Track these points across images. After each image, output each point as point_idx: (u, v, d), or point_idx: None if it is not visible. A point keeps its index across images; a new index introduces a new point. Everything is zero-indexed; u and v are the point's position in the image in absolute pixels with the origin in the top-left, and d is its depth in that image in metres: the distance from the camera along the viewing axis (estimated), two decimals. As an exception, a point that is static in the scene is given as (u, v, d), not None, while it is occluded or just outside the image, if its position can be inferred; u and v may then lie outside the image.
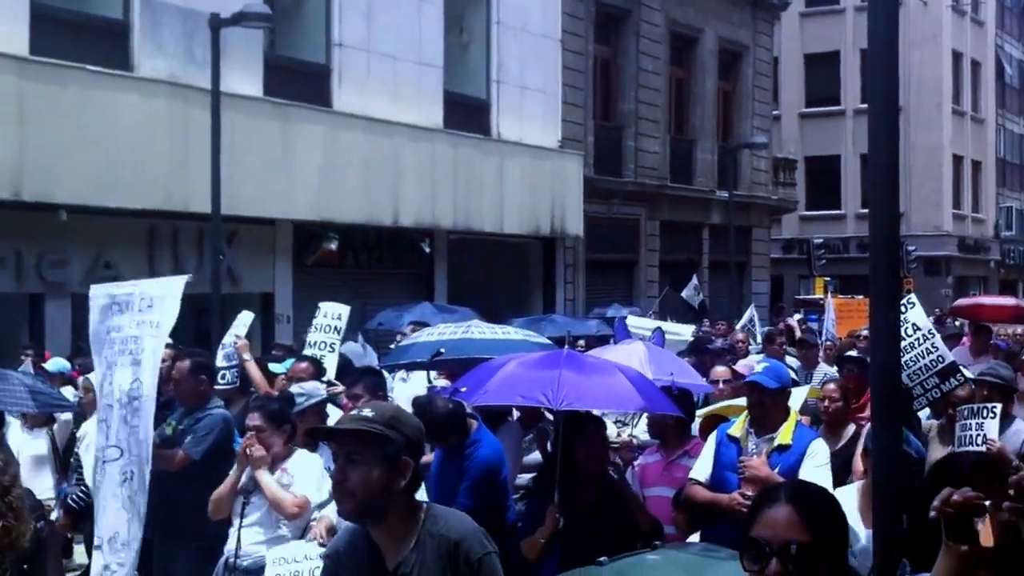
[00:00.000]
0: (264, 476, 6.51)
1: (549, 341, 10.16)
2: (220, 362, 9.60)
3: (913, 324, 9.22)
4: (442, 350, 9.11)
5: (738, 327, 18.86)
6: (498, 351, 8.49)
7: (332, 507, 6.34)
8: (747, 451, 6.78)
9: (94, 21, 15.69)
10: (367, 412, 3.73)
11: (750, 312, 19.45)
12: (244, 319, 10.17)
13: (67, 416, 9.90)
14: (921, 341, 9.15)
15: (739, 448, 6.81)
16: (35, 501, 7.18)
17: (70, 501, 8.44)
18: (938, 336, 9.55)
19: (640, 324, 16.37)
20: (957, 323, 20.25)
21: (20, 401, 8.07)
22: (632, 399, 6.67)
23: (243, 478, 6.63)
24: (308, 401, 7.47)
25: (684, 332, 15.34)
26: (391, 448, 3.63)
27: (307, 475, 6.62)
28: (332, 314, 10.39)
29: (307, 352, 10.00)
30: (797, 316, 25.24)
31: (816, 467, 6.52)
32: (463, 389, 6.90)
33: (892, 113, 4.50)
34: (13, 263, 14.65)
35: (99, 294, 7.42)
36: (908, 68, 41.22)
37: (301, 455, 6.75)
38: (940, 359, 9.13)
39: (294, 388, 8.01)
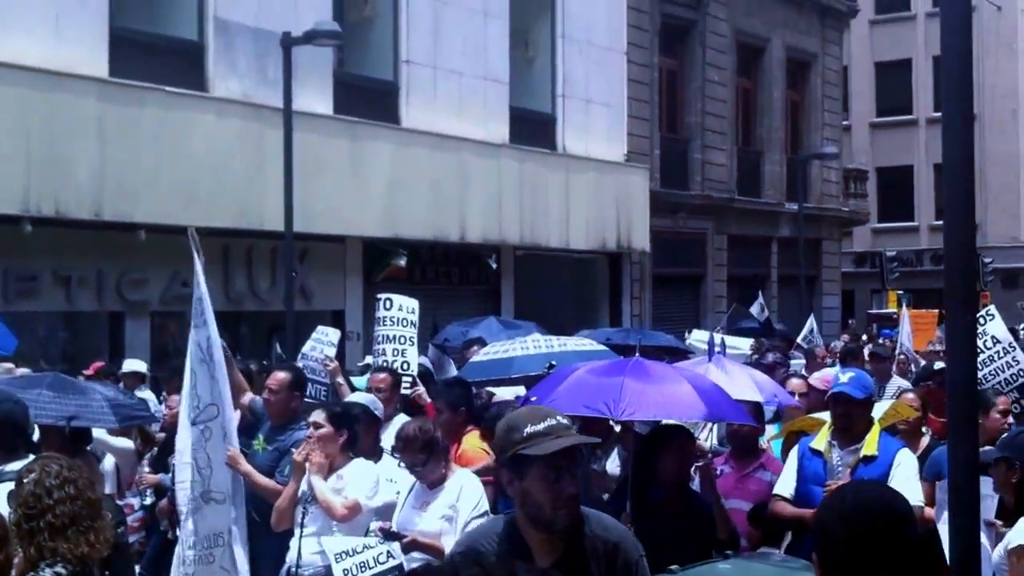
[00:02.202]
0: (317, 480, 6.78)
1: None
2: None
3: (992, 337, 9.32)
4: (554, 363, 9.35)
5: (799, 339, 19.15)
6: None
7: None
8: (831, 463, 6.88)
9: (170, 43, 16.50)
10: (566, 420, 3.92)
11: (810, 323, 19.68)
12: (331, 337, 10.41)
13: (127, 444, 9.96)
14: (1001, 354, 9.25)
15: (823, 461, 6.92)
16: (114, 505, 7.64)
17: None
18: (1019, 349, 9.60)
19: (704, 338, 16.84)
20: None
21: (102, 417, 8.18)
22: (695, 408, 6.69)
23: (303, 487, 6.89)
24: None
25: (743, 346, 15.73)
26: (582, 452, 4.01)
27: (361, 480, 6.89)
28: (406, 307, 10.36)
29: (382, 347, 10.10)
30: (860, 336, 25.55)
31: (905, 479, 6.62)
32: (533, 399, 7.08)
33: (967, 122, 4.55)
34: (94, 282, 15.38)
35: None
36: (983, 76, 41.05)
37: (358, 463, 7.02)
38: (1021, 372, 9.22)
39: (353, 399, 8.37)
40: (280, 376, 8.05)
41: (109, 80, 15.05)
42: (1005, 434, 6.92)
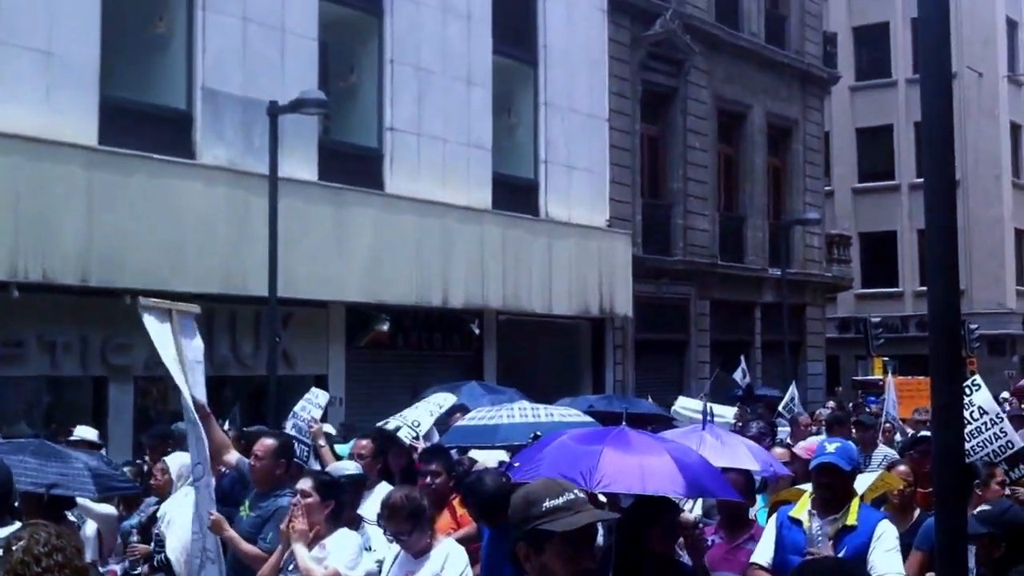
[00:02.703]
0: (299, 548, 6.88)
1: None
2: (289, 430, 10.36)
3: (979, 407, 9.42)
4: (539, 433, 9.56)
5: (781, 407, 19.44)
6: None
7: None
8: (811, 533, 6.90)
9: (159, 111, 16.99)
10: (583, 495, 4.06)
11: (791, 391, 19.93)
12: (320, 399, 10.81)
13: (109, 509, 9.94)
14: (988, 425, 9.33)
15: (802, 530, 6.93)
16: (98, 573, 7.77)
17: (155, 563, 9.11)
18: (1006, 420, 9.72)
19: (689, 405, 17.15)
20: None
21: (81, 486, 8.16)
22: (673, 482, 6.60)
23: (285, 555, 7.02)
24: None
25: (727, 414, 16.07)
26: None
27: (343, 551, 7.00)
28: (438, 399, 11.70)
29: (403, 412, 11.01)
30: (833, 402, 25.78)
31: (886, 551, 6.69)
32: (516, 464, 7.26)
33: (949, 191, 4.59)
34: (79, 347, 15.71)
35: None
36: (965, 141, 41.82)
37: (342, 533, 7.15)
38: (1009, 444, 9.30)
39: (338, 467, 8.63)
40: (267, 443, 8.15)
41: (98, 148, 15.47)
42: (986, 506, 7.04)
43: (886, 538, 6.78)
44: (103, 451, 12.42)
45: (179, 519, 8.48)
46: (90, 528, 9.29)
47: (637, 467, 6.60)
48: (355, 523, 7.89)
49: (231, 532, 7.56)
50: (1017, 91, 46.01)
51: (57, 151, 14.91)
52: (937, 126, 4.54)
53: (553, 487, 4.03)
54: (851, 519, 6.85)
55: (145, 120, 16.61)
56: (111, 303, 15.41)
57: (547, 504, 3.92)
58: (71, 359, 15.69)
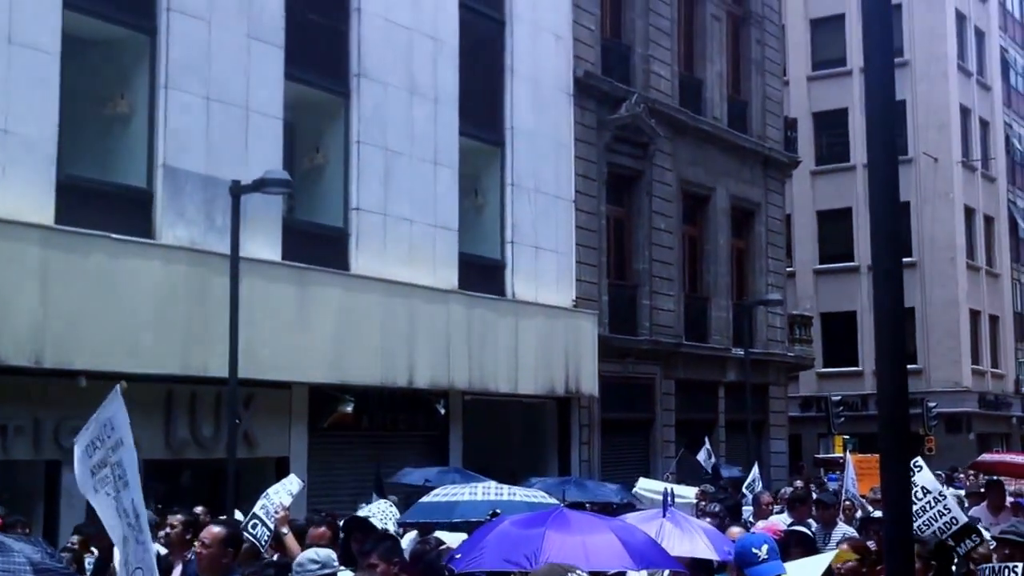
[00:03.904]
0: None
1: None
2: (257, 509, 9.99)
3: (922, 488, 9.49)
4: (498, 511, 9.48)
5: (744, 487, 18.99)
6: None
7: None
8: None
9: (119, 190, 16.35)
10: (584, 574, 4.16)
11: (753, 472, 19.64)
12: (292, 487, 10.51)
13: None
14: (932, 504, 9.43)
15: None
16: None
17: None
18: (950, 497, 9.82)
19: (651, 487, 16.68)
20: (981, 480, 20.50)
21: None
22: (619, 557, 6.62)
23: None
24: (320, 570, 7.68)
25: (688, 494, 15.67)
26: None
27: None
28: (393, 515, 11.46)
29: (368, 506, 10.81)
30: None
31: None
32: (458, 556, 7.08)
33: (897, 274, 4.56)
34: (31, 430, 14.87)
35: (77, 448, 7.20)
36: (921, 224, 42.30)
37: None
38: (954, 521, 9.41)
39: (308, 554, 8.18)
40: (215, 531, 7.84)
41: (54, 227, 14.84)
42: None
43: None
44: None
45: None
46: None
47: (580, 545, 6.60)
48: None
49: None
50: (971, 176, 46.45)
51: (11, 230, 14.28)
52: (884, 211, 4.56)
53: (556, 571, 4.16)
54: None
55: (104, 199, 16.01)
56: (65, 385, 14.74)
57: None
58: (23, 442, 14.86)
